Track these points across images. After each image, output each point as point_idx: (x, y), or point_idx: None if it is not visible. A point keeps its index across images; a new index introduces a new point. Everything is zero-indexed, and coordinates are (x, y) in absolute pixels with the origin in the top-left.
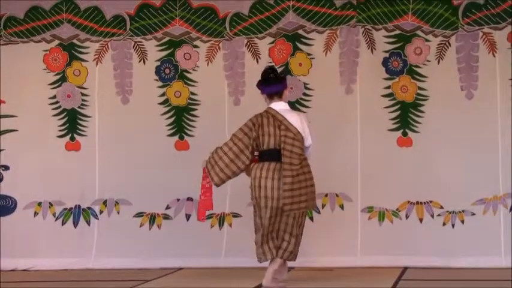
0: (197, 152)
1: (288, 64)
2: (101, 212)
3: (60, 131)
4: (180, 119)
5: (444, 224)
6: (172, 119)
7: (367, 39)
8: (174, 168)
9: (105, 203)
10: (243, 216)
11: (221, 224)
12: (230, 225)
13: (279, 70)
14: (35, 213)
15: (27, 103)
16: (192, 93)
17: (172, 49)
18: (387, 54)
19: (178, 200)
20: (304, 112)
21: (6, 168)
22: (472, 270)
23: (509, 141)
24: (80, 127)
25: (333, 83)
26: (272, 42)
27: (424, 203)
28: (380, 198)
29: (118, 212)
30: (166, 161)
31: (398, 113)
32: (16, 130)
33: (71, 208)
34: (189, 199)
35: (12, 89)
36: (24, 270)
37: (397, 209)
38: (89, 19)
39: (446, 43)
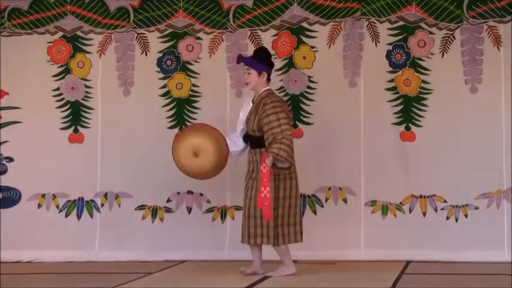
0: None
1: (292, 57)
2: (102, 204)
3: (63, 123)
4: (182, 111)
5: (448, 218)
6: (173, 111)
7: (371, 33)
8: None
9: (106, 195)
10: None
11: (223, 217)
12: (233, 218)
13: (283, 63)
14: (39, 205)
15: (31, 95)
16: (194, 85)
17: (174, 41)
18: (390, 47)
19: (178, 193)
20: None
21: (11, 160)
22: (475, 264)
23: None
24: (83, 119)
25: (336, 76)
26: (275, 35)
27: (428, 196)
28: (383, 192)
29: (119, 205)
30: (167, 153)
31: (401, 107)
32: (20, 122)
33: (75, 200)
34: (189, 192)
35: (16, 81)
36: (28, 262)
37: (400, 203)
38: (92, 11)
39: (451, 36)
